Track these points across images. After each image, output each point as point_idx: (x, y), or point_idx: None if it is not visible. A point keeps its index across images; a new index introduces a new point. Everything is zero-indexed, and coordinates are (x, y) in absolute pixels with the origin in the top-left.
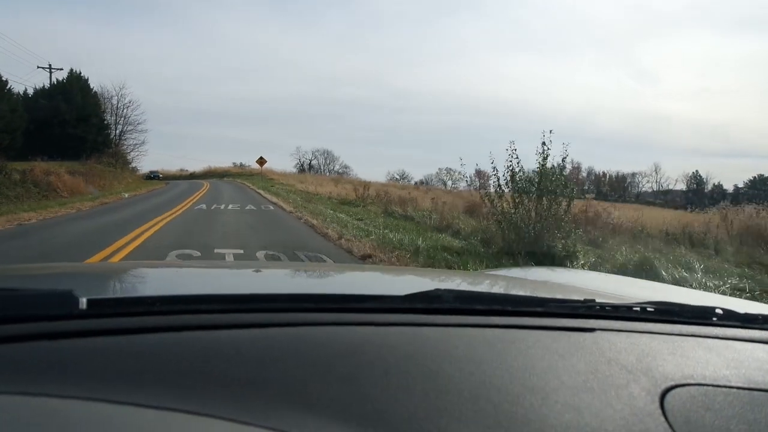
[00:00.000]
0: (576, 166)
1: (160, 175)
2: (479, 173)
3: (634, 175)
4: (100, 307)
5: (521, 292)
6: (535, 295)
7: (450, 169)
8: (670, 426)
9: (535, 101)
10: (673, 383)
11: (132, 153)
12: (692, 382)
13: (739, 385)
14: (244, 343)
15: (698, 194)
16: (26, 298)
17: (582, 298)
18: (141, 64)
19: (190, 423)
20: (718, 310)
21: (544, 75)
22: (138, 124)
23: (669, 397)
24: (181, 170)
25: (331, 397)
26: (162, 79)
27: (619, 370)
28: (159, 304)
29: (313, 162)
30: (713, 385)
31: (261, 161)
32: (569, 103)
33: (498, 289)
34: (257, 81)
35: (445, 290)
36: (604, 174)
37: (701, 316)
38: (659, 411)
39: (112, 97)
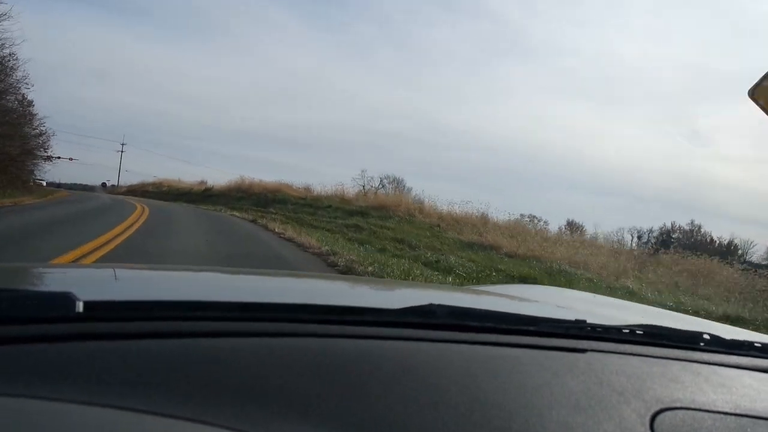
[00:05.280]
0: None
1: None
2: (571, 224)
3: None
4: (97, 311)
5: (514, 310)
6: (527, 314)
7: (533, 216)
8: None
9: (579, 150)
10: (662, 406)
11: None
12: (681, 405)
13: (727, 410)
14: (243, 351)
15: None
16: (23, 299)
17: (573, 318)
18: (188, 83)
19: (187, 430)
20: (705, 336)
21: (592, 125)
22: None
23: (659, 420)
24: (201, 182)
25: (328, 409)
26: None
27: (610, 391)
28: (158, 309)
29: (380, 190)
30: (702, 410)
31: None
32: (615, 156)
33: (492, 306)
34: (295, 107)
35: (438, 305)
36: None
37: (689, 340)
38: None
39: None
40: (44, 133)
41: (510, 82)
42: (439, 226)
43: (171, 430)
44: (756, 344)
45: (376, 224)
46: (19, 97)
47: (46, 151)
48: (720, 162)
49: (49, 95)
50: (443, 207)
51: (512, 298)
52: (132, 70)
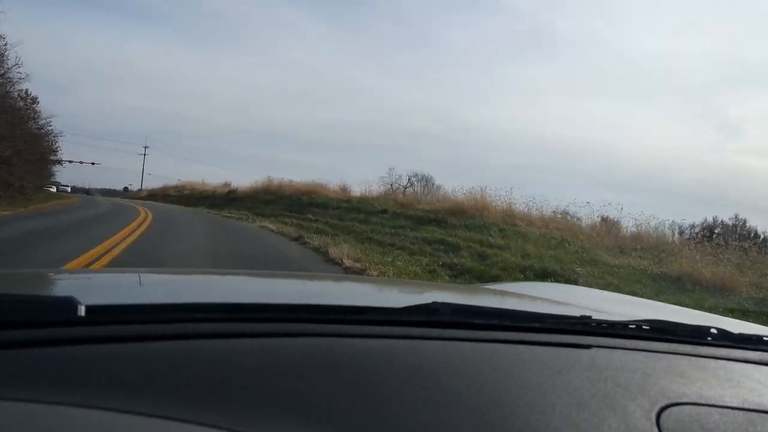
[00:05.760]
0: None
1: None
2: (605, 220)
3: None
4: (99, 315)
5: (518, 307)
6: (532, 311)
7: (566, 212)
8: None
9: (604, 146)
10: (668, 402)
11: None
12: (688, 401)
13: (734, 405)
14: (245, 352)
15: None
16: (25, 304)
17: (579, 315)
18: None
19: None
20: (712, 330)
21: (617, 122)
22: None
23: (665, 415)
24: (225, 184)
25: (331, 408)
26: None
27: (615, 387)
28: (159, 312)
29: (408, 188)
30: (708, 405)
31: None
32: (643, 152)
33: (495, 303)
34: (315, 108)
35: (442, 303)
36: None
37: (696, 335)
38: (655, 429)
39: None
40: (49, 134)
41: (532, 79)
42: (566, 241)
43: (173, 431)
44: (765, 338)
45: (471, 239)
46: (22, 94)
47: (55, 154)
48: (752, 155)
49: (74, 101)
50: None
51: (518, 295)
52: (155, 75)
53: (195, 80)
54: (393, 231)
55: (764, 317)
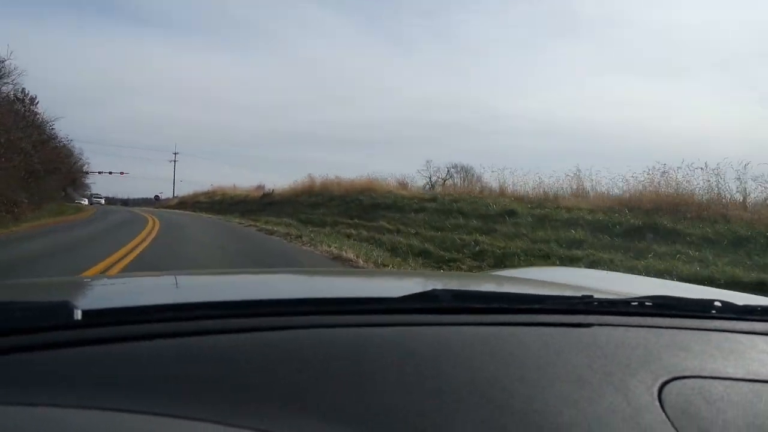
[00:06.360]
0: None
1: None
2: None
3: None
4: (95, 317)
5: (520, 290)
6: (532, 293)
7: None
8: (668, 418)
9: (641, 127)
10: (670, 376)
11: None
12: (690, 374)
13: (739, 376)
14: (243, 347)
15: None
16: (22, 310)
17: (580, 295)
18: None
19: (186, 428)
20: (716, 303)
21: (652, 99)
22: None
23: (667, 389)
24: (259, 186)
25: (329, 399)
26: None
27: (616, 364)
28: (154, 311)
29: (448, 181)
30: (712, 377)
31: None
32: (680, 129)
33: (495, 287)
34: (345, 106)
35: (442, 290)
36: None
37: (700, 309)
38: (657, 404)
39: None
40: (53, 139)
41: (564, 62)
42: None
43: (170, 429)
44: None
45: None
46: (18, 93)
47: (64, 163)
48: None
49: (107, 113)
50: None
51: (518, 279)
52: (182, 84)
53: (223, 85)
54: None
55: None
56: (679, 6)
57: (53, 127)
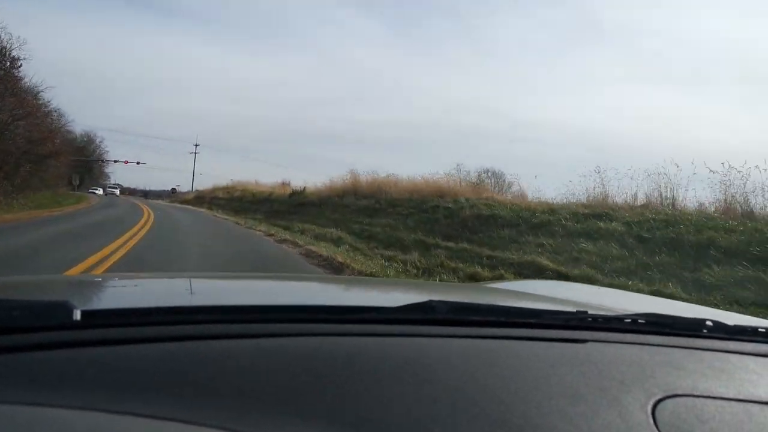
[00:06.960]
0: None
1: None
2: None
3: None
4: (94, 318)
5: (516, 304)
6: (528, 307)
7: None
8: None
9: (664, 138)
10: (664, 394)
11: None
12: (684, 393)
13: (730, 396)
14: (242, 353)
15: None
16: (21, 309)
17: (575, 310)
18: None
19: None
20: (708, 322)
21: (680, 112)
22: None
23: (660, 407)
24: (284, 183)
25: (326, 407)
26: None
27: (610, 380)
28: (154, 314)
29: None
30: (704, 396)
31: None
32: (708, 142)
33: (492, 300)
34: (371, 106)
35: (439, 301)
36: None
37: (692, 328)
38: (651, 421)
39: None
40: (48, 116)
41: (587, 71)
42: None
43: None
44: (760, 329)
45: None
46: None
47: (53, 143)
48: None
49: (134, 105)
50: None
51: (516, 293)
52: (211, 77)
53: (252, 81)
54: None
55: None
56: (706, 14)
57: (43, 98)
